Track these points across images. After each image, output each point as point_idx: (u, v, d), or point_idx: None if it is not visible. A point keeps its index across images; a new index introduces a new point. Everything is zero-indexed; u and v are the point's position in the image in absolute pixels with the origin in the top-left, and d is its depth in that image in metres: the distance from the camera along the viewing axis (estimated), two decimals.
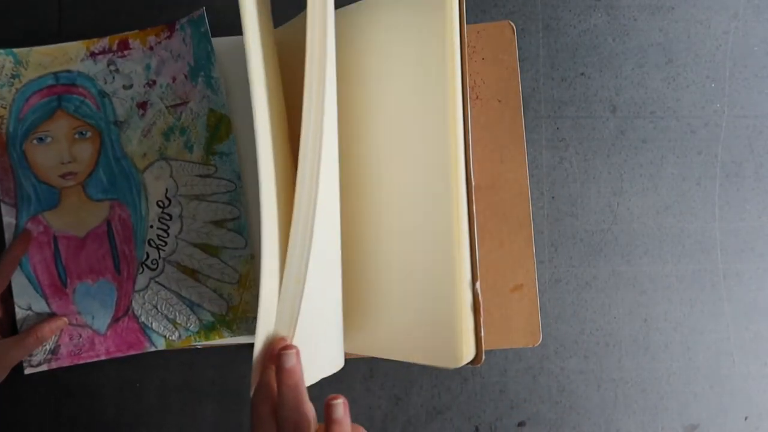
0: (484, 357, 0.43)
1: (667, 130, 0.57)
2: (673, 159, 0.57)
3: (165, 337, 0.53)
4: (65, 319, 0.52)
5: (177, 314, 0.53)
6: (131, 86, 0.54)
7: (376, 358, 0.55)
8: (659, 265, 0.57)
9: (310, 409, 0.38)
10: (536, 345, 0.53)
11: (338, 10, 0.47)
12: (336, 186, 0.45)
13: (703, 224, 0.57)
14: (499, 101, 0.53)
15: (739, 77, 0.58)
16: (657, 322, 0.57)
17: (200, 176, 0.53)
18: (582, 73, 0.58)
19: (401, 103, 0.44)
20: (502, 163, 0.52)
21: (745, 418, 0.56)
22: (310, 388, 0.53)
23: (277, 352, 0.39)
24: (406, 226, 0.44)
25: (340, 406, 0.38)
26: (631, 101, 0.58)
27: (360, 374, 0.55)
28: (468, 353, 0.42)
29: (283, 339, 0.40)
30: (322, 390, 0.55)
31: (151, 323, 0.53)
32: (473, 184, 0.42)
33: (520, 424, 0.56)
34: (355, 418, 0.55)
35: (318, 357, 0.44)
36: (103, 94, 0.54)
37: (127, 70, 0.54)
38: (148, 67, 0.54)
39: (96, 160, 0.54)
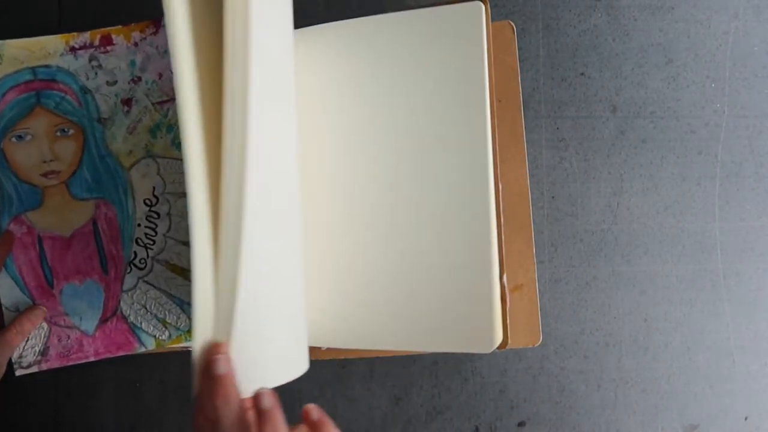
0: (509, 341, 0.48)
1: (667, 130, 0.57)
2: (673, 159, 0.57)
3: (155, 336, 0.52)
4: (43, 308, 0.51)
5: (167, 313, 0.52)
6: (115, 82, 0.53)
7: (377, 358, 0.55)
8: (659, 265, 0.57)
9: (250, 418, 0.37)
10: (536, 345, 0.53)
11: (363, 18, 0.49)
12: (293, 188, 0.45)
13: (703, 224, 0.57)
14: (499, 101, 0.53)
15: (739, 77, 0.58)
16: (657, 322, 0.57)
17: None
18: (582, 73, 0.58)
19: (431, 107, 0.47)
20: (502, 163, 0.52)
21: (745, 418, 0.56)
22: (309, 389, 0.53)
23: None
24: (440, 227, 0.47)
25: (266, 396, 0.37)
26: (631, 101, 0.58)
27: (360, 374, 0.55)
28: (498, 338, 0.46)
29: (218, 345, 0.38)
30: (322, 390, 0.55)
31: (141, 323, 0.52)
32: (500, 186, 0.47)
33: (520, 424, 0.56)
34: (355, 419, 0.55)
35: (272, 362, 0.44)
36: (85, 90, 0.52)
37: (111, 66, 0.53)
38: (132, 63, 0.53)
39: (80, 159, 0.52)
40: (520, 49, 0.56)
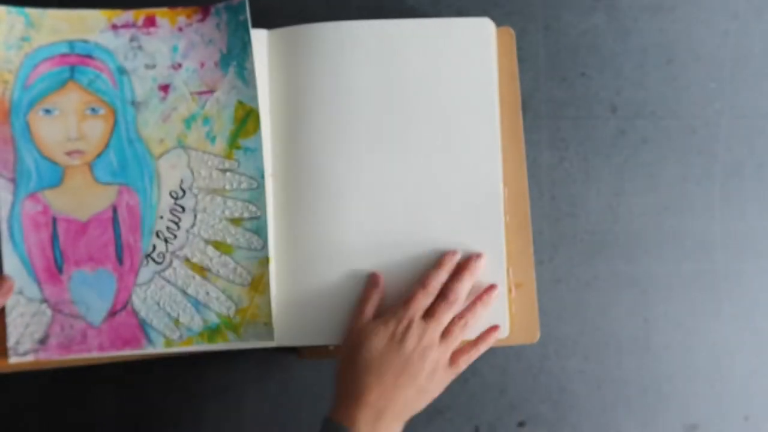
0: (514, 326, 0.52)
1: (667, 130, 0.57)
2: (673, 159, 0.57)
3: (165, 336, 0.50)
4: (12, 280, 0.49)
5: (180, 313, 0.50)
6: (154, 66, 0.51)
7: None
8: (659, 265, 0.57)
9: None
10: (534, 342, 0.53)
11: (378, 20, 0.52)
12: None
13: (703, 224, 0.57)
14: (499, 104, 0.53)
15: (739, 77, 0.58)
16: (657, 322, 0.57)
17: (221, 170, 0.50)
18: (582, 73, 0.58)
19: (447, 113, 0.52)
20: (502, 164, 0.53)
21: (745, 418, 0.56)
22: (309, 389, 0.53)
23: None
24: (458, 227, 0.51)
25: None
26: (631, 101, 0.58)
27: None
28: (508, 327, 0.52)
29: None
30: (322, 390, 0.55)
31: (152, 320, 0.50)
32: (506, 189, 0.52)
33: (520, 424, 0.56)
34: None
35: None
36: (121, 70, 0.50)
37: (152, 49, 0.51)
38: (174, 48, 0.51)
39: (107, 140, 0.50)
40: (520, 49, 0.56)
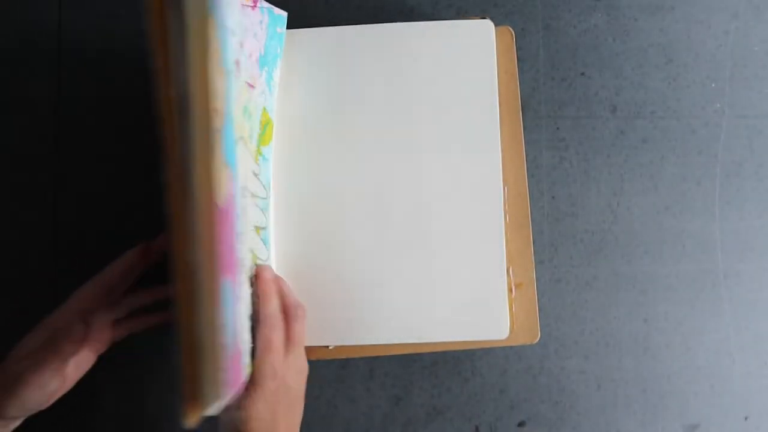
0: (515, 326, 0.52)
1: (667, 130, 0.57)
2: (673, 159, 0.57)
3: None
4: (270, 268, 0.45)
5: None
6: (234, 34, 0.39)
7: (376, 357, 0.55)
8: (659, 265, 0.57)
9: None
10: (534, 342, 0.53)
11: (381, 25, 0.53)
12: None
13: (703, 224, 0.57)
14: (499, 104, 0.53)
15: (739, 77, 0.58)
16: (657, 322, 0.57)
17: (252, 172, 0.46)
18: (582, 73, 0.58)
19: (444, 114, 0.52)
20: (502, 164, 0.53)
21: (745, 418, 0.56)
22: (309, 389, 0.53)
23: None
24: (458, 226, 0.52)
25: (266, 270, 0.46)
26: (631, 101, 0.58)
27: (360, 374, 0.56)
28: (508, 327, 0.51)
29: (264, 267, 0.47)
30: (322, 390, 0.55)
31: None
32: (506, 189, 0.53)
33: (520, 424, 0.56)
34: (355, 419, 0.55)
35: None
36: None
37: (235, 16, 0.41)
38: (240, 23, 0.42)
39: None
40: (520, 49, 0.56)
